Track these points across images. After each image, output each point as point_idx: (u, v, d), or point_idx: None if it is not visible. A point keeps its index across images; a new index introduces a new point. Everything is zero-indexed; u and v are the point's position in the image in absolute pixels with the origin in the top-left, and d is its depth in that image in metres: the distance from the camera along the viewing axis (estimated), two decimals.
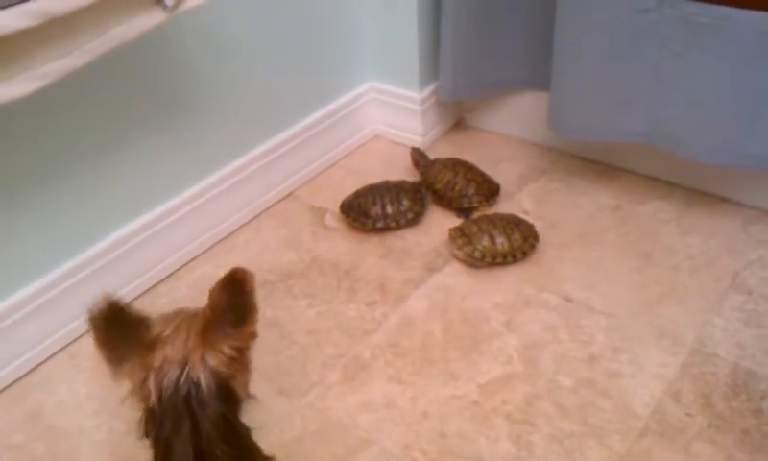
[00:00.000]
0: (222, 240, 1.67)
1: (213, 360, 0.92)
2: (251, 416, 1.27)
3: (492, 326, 1.43)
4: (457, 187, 1.71)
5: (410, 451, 1.21)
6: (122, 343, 0.94)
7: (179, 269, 1.60)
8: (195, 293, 1.53)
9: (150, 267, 1.55)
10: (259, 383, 1.33)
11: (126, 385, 0.93)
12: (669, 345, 1.35)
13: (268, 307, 1.49)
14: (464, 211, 1.70)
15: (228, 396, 0.95)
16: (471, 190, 1.71)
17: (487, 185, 1.74)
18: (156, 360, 0.91)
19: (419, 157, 1.82)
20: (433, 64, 1.86)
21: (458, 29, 1.75)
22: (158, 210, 1.55)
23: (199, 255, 1.64)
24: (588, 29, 1.56)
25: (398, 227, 1.67)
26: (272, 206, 1.77)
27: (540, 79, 1.76)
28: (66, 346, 1.44)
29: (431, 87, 1.90)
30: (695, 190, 1.69)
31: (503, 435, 1.22)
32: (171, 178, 1.56)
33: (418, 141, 1.92)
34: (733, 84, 1.45)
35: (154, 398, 0.91)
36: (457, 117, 2.02)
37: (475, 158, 1.82)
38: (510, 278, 1.53)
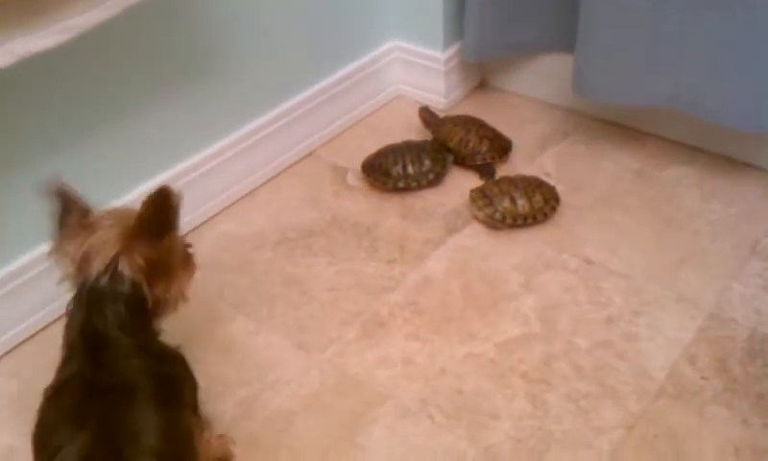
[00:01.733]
0: (243, 198, 1.69)
1: (126, 265, 1.01)
2: (270, 369, 1.30)
3: (511, 286, 1.43)
4: (470, 144, 1.71)
5: (426, 407, 1.23)
6: (65, 226, 1.05)
7: (200, 225, 1.62)
8: (216, 249, 1.55)
9: None
10: (279, 338, 1.36)
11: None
12: (687, 309, 1.35)
13: (288, 265, 1.51)
14: (486, 171, 1.70)
15: (138, 298, 1.03)
16: (484, 147, 1.71)
17: (499, 142, 1.74)
18: (83, 246, 1.02)
19: (428, 115, 1.82)
20: (457, 24, 1.85)
21: None
22: (180, 167, 1.56)
23: (220, 212, 1.65)
24: None
25: (419, 187, 1.67)
26: (293, 164, 1.78)
27: (564, 41, 1.74)
28: None
29: (455, 48, 1.89)
30: (718, 155, 1.68)
31: (520, 393, 1.24)
32: (192, 135, 1.57)
33: (441, 102, 1.91)
34: (760, 48, 1.43)
35: (75, 277, 1.04)
36: (480, 78, 2.01)
37: (498, 120, 1.82)
38: (530, 239, 1.54)
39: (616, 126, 1.80)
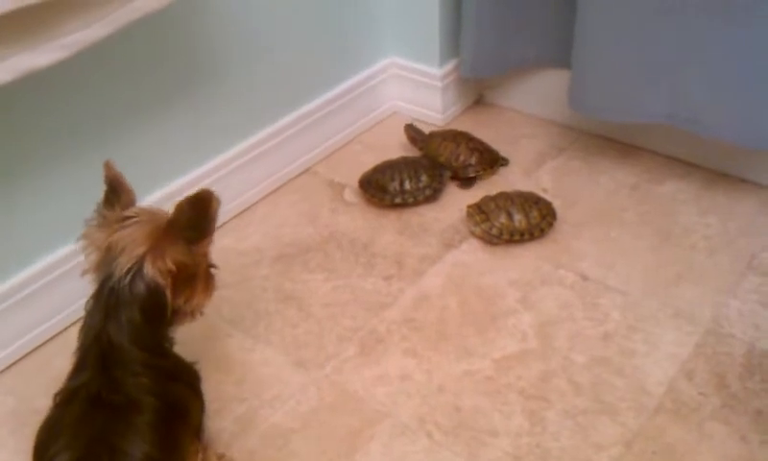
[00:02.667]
0: (241, 213, 1.69)
1: (151, 266, 0.98)
2: (268, 386, 1.30)
3: (508, 302, 1.43)
4: (461, 158, 1.72)
5: (424, 424, 1.22)
6: (102, 215, 1.04)
7: None
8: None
9: None
10: (276, 355, 1.36)
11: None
12: (684, 324, 1.35)
13: (286, 281, 1.51)
14: (467, 181, 1.72)
15: (158, 304, 1.00)
16: (474, 159, 1.73)
17: (489, 153, 1.76)
18: (108, 241, 1.00)
19: (414, 132, 1.83)
20: (454, 41, 1.86)
21: (480, 5, 1.75)
22: (177, 182, 1.56)
23: (218, 228, 1.64)
24: (610, 7, 1.55)
25: (416, 203, 1.67)
26: (290, 180, 1.78)
27: (561, 57, 1.75)
28: None
29: (452, 64, 1.90)
30: (714, 171, 1.68)
31: (517, 410, 1.24)
32: (189, 150, 1.58)
33: (438, 118, 1.92)
34: (757, 65, 1.44)
35: (93, 274, 1.02)
36: (477, 94, 2.01)
37: (494, 136, 1.83)
38: (527, 255, 1.54)
39: (613, 141, 1.81)
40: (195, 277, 1.05)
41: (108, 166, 1.06)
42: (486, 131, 1.85)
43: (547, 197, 1.62)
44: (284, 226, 1.65)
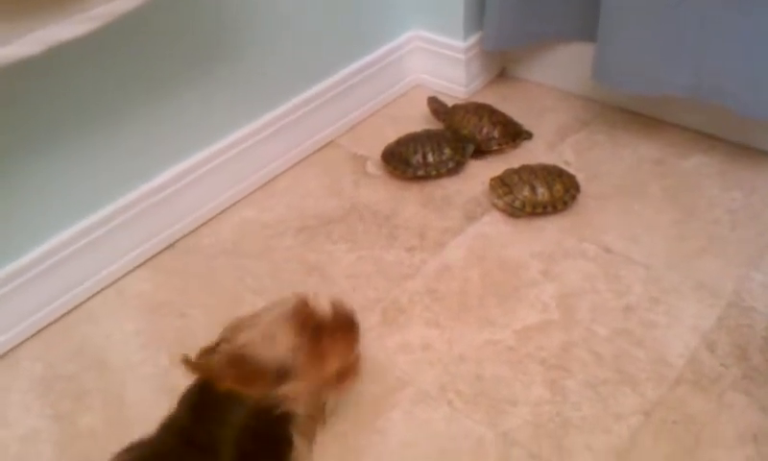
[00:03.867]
0: (264, 186, 1.70)
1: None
2: None
3: (530, 274, 1.44)
4: (484, 130, 1.72)
5: (446, 392, 1.24)
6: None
7: (222, 212, 1.63)
8: (238, 236, 1.57)
9: (194, 209, 1.59)
10: None
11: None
12: (707, 297, 1.35)
13: (309, 252, 1.52)
14: (481, 153, 1.73)
15: None
16: (497, 132, 1.73)
17: (512, 127, 1.76)
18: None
19: (437, 105, 1.83)
20: (478, 13, 1.85)
21: None
22: (203, 154, 1.58)
23: (241, 200, 1.67)
24: None
25: (439, 175, 1.68)
26: (313, 153, 1.79)
27: (585, 30, 1.74)
28: (114, 282, 1.49)
29: (475, 37, 1.89)
30: (739, 145, 1.67)
31: (538, 380, 1.24)
32: (215, 123, 1.59)
33: (461, 91, 1.92)
34: None
35: None
36: (501, 67, 2.01)
37: (518, 109, 1.82)
38: (549, 228, 1.54)
39: (636, 115, 1.80)
40: None
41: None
42: (509, 104, 1.85)
43: (570, 170, 1.62)
44: (307, 197, 1.66)
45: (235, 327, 1.02)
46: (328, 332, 1.04)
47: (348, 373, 1.07)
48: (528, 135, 1.78)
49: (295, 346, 0.99)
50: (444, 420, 1.20)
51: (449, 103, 1.84)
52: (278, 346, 0.98)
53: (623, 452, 1.13)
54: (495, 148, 1.72)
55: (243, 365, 0.96)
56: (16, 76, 1.21)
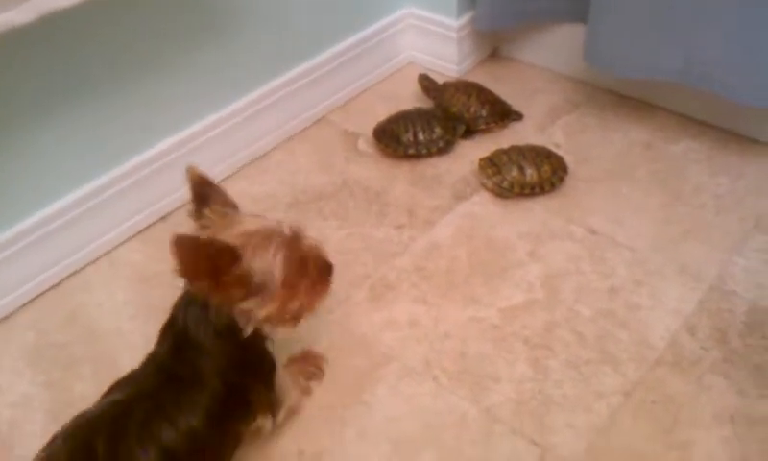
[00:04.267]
0: (256, 160, 1.71)
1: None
2: None
3: (517, 254, 1.46)
4: (472, 109, 1.74)
5: (431, 368, 1.26)
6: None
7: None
8: None
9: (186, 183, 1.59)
10: None
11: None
12: (689, 281, 1.38)
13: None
14: (472, 133, 1.75)
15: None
16: (485, 111, 1.74)
17: (500, 106, 1.77)
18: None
19: (428, 82, 1.85)
20: None
21: None
22: (195, 127, 1.59)
23: (233, 174, 1.68)
24: None
25: (429, 154, 1.69)
26: (305, 128, 1.80)
27: (578, 11, 1.75)
28: (107, 253, 1.51)
29: (468, 16, 1.90)
30: (727, 131, 1.69)
31: (521, 358, 1.27)
32: (207, 97, 1.60)
33: (453, 70, 1.93)
34: None
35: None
36: (493, 47, 2.02)
37: (509, 89, 1.84)
38: (537, 209, 1.56)
39: (627, 99, 1.81)
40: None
41: (191, 171, 1.06)
42: (501, 84, 1.86)
43: (560, 152, 1.64)
44: (299, 173, 1.68)
45: (232, 223, 1.03)
46: (308, 268, 1.06)
47: (304, 311, 1.08)
48: (518, 116, 1.79)
49: (280, 268, 1.00)
50: (429, 395, 1.22)
51: (441, 81, 1.85)
52: (267, 261, 1.00)
53: (603, 430, 1.16)
54: (483, 127, 1.74)
55: (229, 262, 0.97)
56: (15, 43, 1.22)
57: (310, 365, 1.25)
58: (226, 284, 0.97)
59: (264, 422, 1.09)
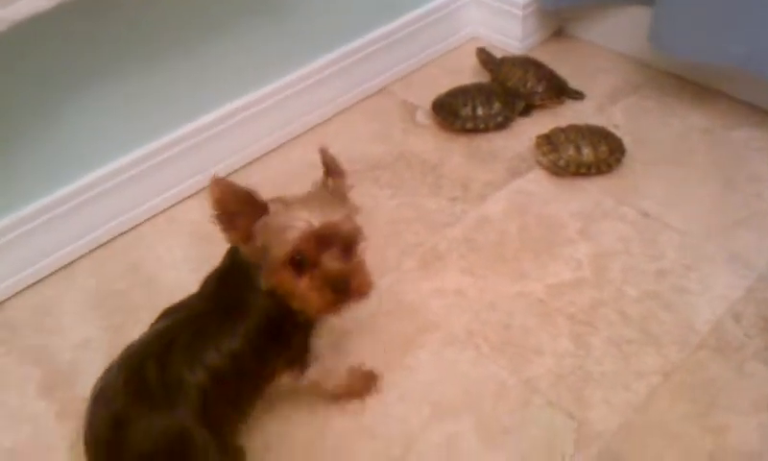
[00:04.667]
0: (314, 128, 1.75)
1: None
2: None
3: (567, 232, 1.47)
4: (528, 84, 1.75)
5: (473, 337, 1.29)
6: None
7: (272, 151, 1.69)
8: (286, 176, 1.62)
9: (246, 146, 1.65)
10: None
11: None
12: (739, 268, 1.37)
13: (355, 195, 1.56)
14: (528, 110, 1.76)
15: None
16: (541, 87, 1.75)
17: (556, 82, 1.79)
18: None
19: (486, 56, 1.86)
20: None
21: None
22: (257, 94, 1.63)
23: (291, 140, 1.72)
24: None
25: (487, 129, 1.71)
26: (366, 98, 1.83)
27: None
28: (166, 210, 1.57)
29: None
30: None
31: (564, 333, 1.29)
32: (270, 64, 1.64)
33: (516, 47, 1.93)
34: None
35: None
36: (557, 26, 2.02)
37: (571, 68, 1.84)
38: (591, 188, 1.57)
39: (689, 83, 1.80)
40: None
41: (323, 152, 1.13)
42: (563, 63, 1.86)
43: (618, 133, 1.64)
44: (357, 142, 1.71)
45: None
46: (326, 273, 1.03)
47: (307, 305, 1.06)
48: (579, 95, 1.80)
49: (284, 247, 1.01)
50: (470, 363, 1.25)
51: (499, 56, 1.86)
52: (278, 234, 1.02)
53: (639, 409, 1.17)
54: (539, 102, 1.75)
55: (251, 212, 1.03)
56: (80, 13, 1.27)
57: (359, 385, 1.22)
58: (241, 232, 1.02)
59: (295, 371, 1.12)
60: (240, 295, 1.06)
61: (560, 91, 1.78)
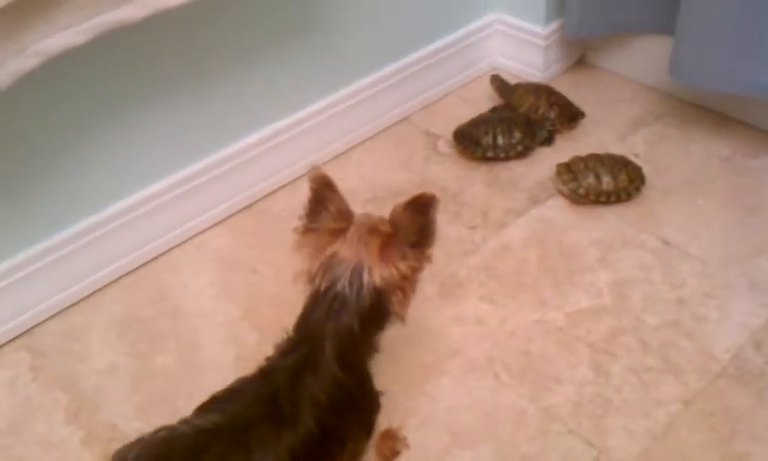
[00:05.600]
0: (338, 156, 1.78)
1: (385, 273, 1.01)
2: None
3: (587, 260, 1.48)
4: (540, 110, 1.78)
5: (493, 364, 1.30)
6: (315, 220, 1.06)
7: (298, 178, 1.71)
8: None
9: (272, 174, 1.68)
10: None
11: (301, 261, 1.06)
12: (759, 296, 1.38)
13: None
14: (547, 140, 1.77)
15: (380, 312, 1.04)
16: (554, 113, 1.78)
17: (569, 108, 1.81)
18: (329, 251, 1.03)
19: (499, 83, 1.89)
20: (560, 0, 1.88)
21: None
22: (284, 123, 1.66)
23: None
24: None
25: (507, 158, 1.73)
26: (388, 127, 1.86)
27: (665, 22, 1.75)
28: (193, 237, 1.60)
29: (556, 23, 1.92)
30: None
31: (584, 361, 1.30)
32: (297, 93, 1.67)
33: (537, 76, 1.95)
34: None
35: (318, 282, 1.02)
36: (579, 55, 2.03)
37: (593, 98, 1.86)
38: (611, 217, 1.58)
39: (710, 112, 1.81)
40: (411, 281, 1.06)
41: (315, 171, 1.07)
42: (585, 92, 1.88)
43: (638, 162, 1.65)
44: (379, 170, 1.73)
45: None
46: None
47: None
48: (581, 115, 1.82)
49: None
50: (490, 390, 1.26)
51: (513, 82, 1.89)
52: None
53: (659, 437, 1.18)
54: (550, 128, 1.77)
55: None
56: (105, 45, 1.31)
57: (387, 447, 1.18)
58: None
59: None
60: (298, 396, 0.96)
61: (572, 117, 1.80)
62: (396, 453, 1.19)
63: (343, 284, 1.01)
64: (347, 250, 1.02)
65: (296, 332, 1.04)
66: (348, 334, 1.01)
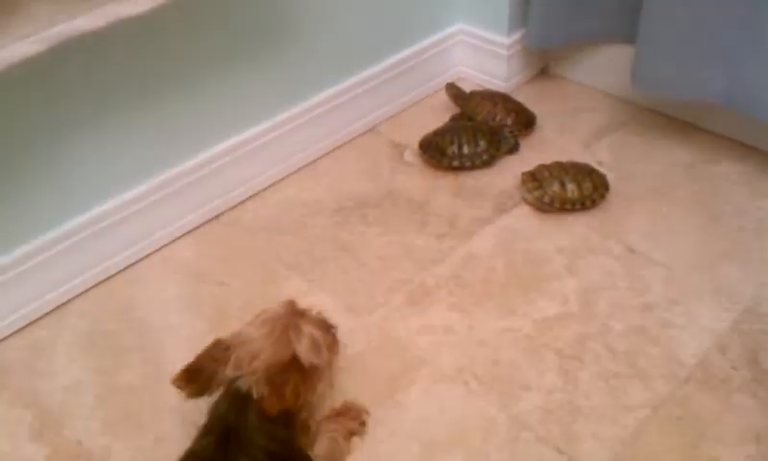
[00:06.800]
0: (305, 166, 1.77)
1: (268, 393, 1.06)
2: None
3: (554, 267, 1.49)
4: (498, 117, 1.80)
5: (462, 374, 1.30)
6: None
7: (265, 189, 1.71)
8: (277, 213, 1.64)
9: (239, 185, 1.67)
10: (329, 299, 1.44)
11: None
12: (724, 302, 1.39)
13: (343, 232, 1.59)
14: (513, 148, 1.79)
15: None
16: (510, 120, 1.80)
17: (525, 115, 1.83)
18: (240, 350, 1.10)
19: (455, 90, 1.90)
20: (523, 10, 1.89)
21: None
22: (250, 133, 1.65)
23: (283, 179, 1.74)
24: None
25: (473, 167, 1.73)
26: (355, 138, 1.85)
27: (626, 32, 1.77)
28: (160, 249, 1.58)
29: (519, 34, 1.93)
30: None
31: (552, 368, 1.30)
32: (263, 103, 1.66)
33: (501, 86, 1.96)
34: None
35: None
36: (542, 65, 2.05)
37: (557, 107, 1.87)
38: (577, 224, 1.59)
39: (673, 119, 1.83)
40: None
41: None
42: (548, 101, 1.90)
43: (602, 169, 1.66)
44: (346, 180, 1.73)
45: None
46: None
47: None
48: (534, 119, 1.84)
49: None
50: (460, 399, 1.26)
51: (468, 90, 1.90)
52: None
53: (628, 442, 1.18)
54: (507, 135, 1.78)
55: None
56: (77, 48, 1.29)
57: (351, 420, 1.22)
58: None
59: None
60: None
61: (528, 123, 1.82)
62: (362, 424, 1.22)
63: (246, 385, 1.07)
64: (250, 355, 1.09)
65: (211, 413, 1.11)
66: (257, 422, 1.06)
